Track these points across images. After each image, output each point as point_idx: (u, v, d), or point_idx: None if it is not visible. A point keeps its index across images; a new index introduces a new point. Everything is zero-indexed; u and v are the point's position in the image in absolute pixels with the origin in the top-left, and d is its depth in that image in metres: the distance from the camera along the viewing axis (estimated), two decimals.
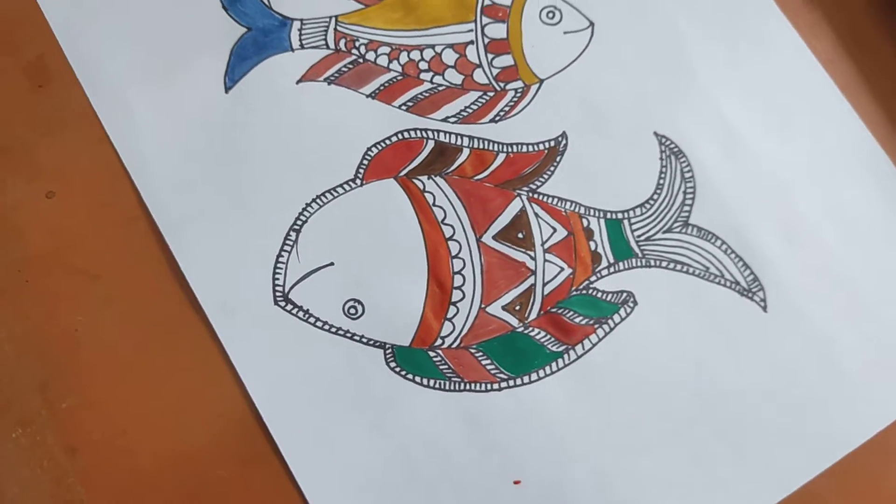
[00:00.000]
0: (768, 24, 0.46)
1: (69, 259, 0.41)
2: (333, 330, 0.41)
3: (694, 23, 0.46)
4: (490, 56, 0.45)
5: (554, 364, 0.42)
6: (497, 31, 0.46)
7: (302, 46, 0.45)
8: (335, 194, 0.43)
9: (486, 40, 0.45)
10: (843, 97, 0.45)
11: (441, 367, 0.41)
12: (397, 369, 0.41)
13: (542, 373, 0.41)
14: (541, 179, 0.44)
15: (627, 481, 0.40)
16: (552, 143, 0.44)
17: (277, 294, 0.41)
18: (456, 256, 0.42)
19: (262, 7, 0.45)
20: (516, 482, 0.40)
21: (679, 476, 0.40)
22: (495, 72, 0.45)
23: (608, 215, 0.44)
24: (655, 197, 0.44)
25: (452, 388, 0.41)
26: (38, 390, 0.39)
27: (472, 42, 0.45)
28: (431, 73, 0.45)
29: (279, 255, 0.42)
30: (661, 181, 0.44)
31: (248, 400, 0.40)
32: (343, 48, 0.45)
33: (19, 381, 0.39)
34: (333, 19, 0.45)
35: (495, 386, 0.41)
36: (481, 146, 0.44)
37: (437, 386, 0.41)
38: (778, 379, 0.42)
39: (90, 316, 0.40)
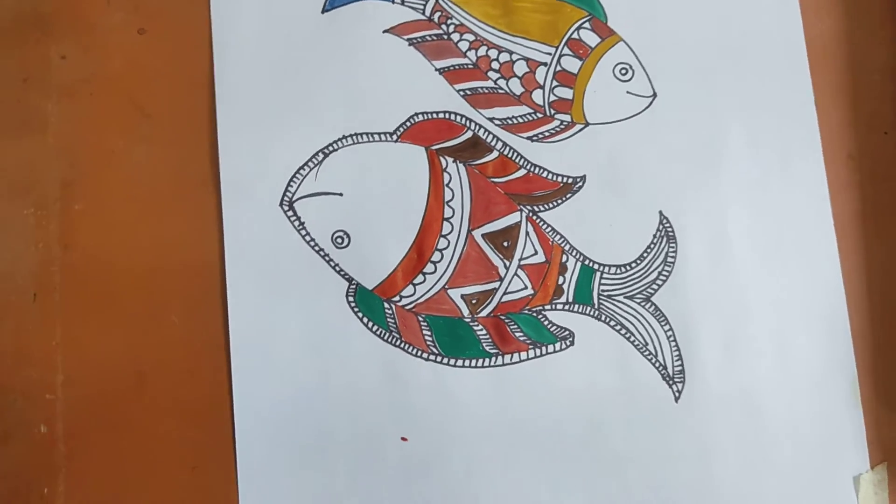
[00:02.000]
0: (806, 165, 0.49)
1: (133, 91, 0.46)
2: (316, 249, 0.46)
3: (743, 135, 0.49)
4: (554, 84, 0.49)
5: (481, 361, 0.46)
6: (571, 64, 0.49)
7: (402, 3, 0.49)
8: (370, 139, 0.47)
9: (558, 69, 0.49)
10: (837, 252, 0.48)
11: (388, 319, 0.46)
12: (353, 304, 0.46)
13: (467, 363, 0.46)
14: (546, 206, 0.48)
15: (489, 479, 0.45)
16: (570, 181, 0.48)
17: (285, 199, 0.46)
18: (444, 236, 0.47)
19: None
20: (403, 439, 0.45)
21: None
22: (552, 99, 0.49)
23: (586, 262, 0.48)
24: (633, 265, 0.48)
25: (388, 339, 0.46)
26: (61, 185, 0.45)
27: (545, 64, 0.49)
28: (498, 75, 0.49)
29: (301, 168, 0.47)
30: (645, 254, 0.48)
31: (222, 264, 0.45)
32: (435, 20, 0.49)
33: (50, 171, 0.45)
34: None
35: (424, 355, 0.46)
36: (510, 155, 0.48)
37: (376, 332, 0.46)
38: (660, 469, 0.46)
39: (129, 144, 0.45)
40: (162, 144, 0.46)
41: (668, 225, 0.48)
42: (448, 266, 0.47)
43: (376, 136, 0.48)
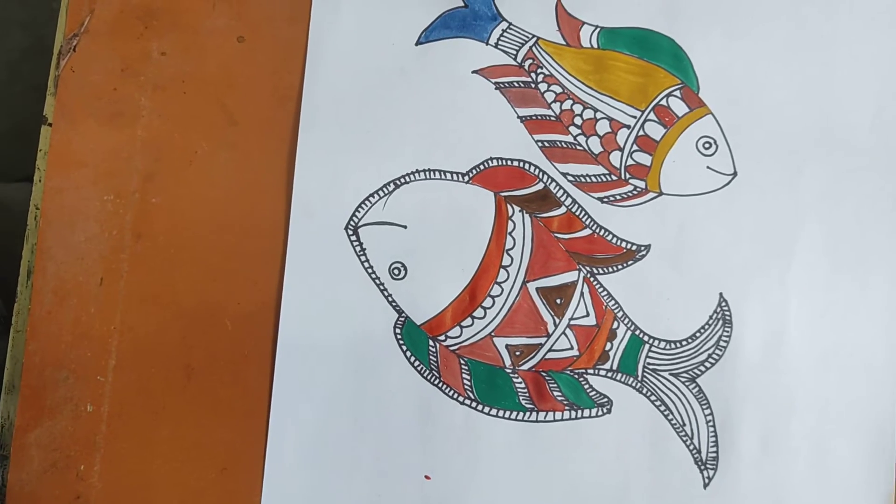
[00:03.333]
0: (881, 276, 0.47)
1: (224, 96, 0.47)
2: (373, 276, 0.47)
3: (820, 230, 0.48)
4: (634, 148, 0.49)
5: (515, 413, 0.46)
6: (655, 131, 0.49)
7: (496, 45, 0.49)
8: (443, 176, 0.48)
9: (641, 133, 0.49)
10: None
11: (431, 357, 0.47)
12: (399, 336, 0.47)
13: (501, 412, 0.47)
14: (605, 269, 0.48)
15: None
16: (634, 247, 0.48)
17: (351, 223, 0.47)
18: (499, 283, 0.47)
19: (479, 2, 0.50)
20: (427, 477, 0.46)
21: None
22: (630, 163, 0.49)
23: (637, 332, 0.47)
24: (685, 343, 0.47)
25: (427, 377, 0.47)
26: (143, 177, 0.47)
27: (628, 126, 0.49)
28: (579, 131, 0.49)
29: (371, 195, 0.48)
30: (699, 334, 0.47)
31: (280, 277, 0.47)
32: (526, 67, 0.49)
33: (134, 162, 0.47)
34: (535, 39, 0.50)
35: (459, 398, 0.47)
36: (577, 213, 0.48)
37: (417, 367, 0.47)
38: None
39: (213, 147, 0.47)
40: (243, 152, 0.48)
41: (726, 308, 0.48)
42: (498, 314, 0.47)
43: (448, 175, 0.49)
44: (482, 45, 0.50)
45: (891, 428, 0.47)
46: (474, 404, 0.47)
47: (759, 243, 0.48)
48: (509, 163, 0.49)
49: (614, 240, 0.48)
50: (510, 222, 0.48)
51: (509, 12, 0.50)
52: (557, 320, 0.48)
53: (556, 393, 0.47)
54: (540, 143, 0.49)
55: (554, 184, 0.49)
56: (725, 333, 0.48)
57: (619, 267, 0.48)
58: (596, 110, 0.50)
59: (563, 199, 0.49)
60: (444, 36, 0.50)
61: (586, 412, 0.47)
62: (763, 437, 0.47)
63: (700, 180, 0.49)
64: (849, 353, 0.48)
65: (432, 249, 0.48)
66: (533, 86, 0.50)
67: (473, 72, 0.50)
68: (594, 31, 0.50)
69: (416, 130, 0.49)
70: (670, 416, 0.47)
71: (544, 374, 0.47)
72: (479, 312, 0.48)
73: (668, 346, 0.48)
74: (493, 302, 0.48)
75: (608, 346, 0.48)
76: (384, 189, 0.48)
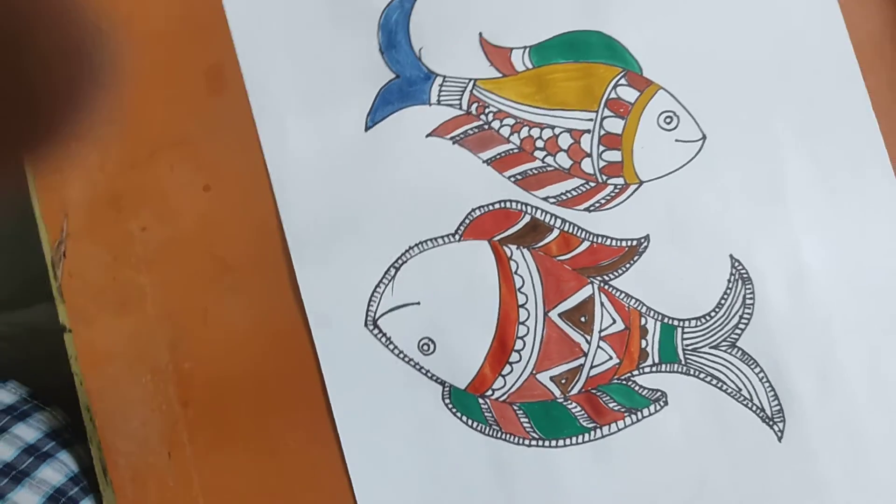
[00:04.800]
0: (875, 174, 0.48)
1: (212, 246, 0.49)
2: (406, 360, 0.49)
3: (804, 159, 0.48)
4: (601, 148, 0.50)
5: (581, 436, 0.48)
6: (614, 125, 0.50)
7: (438, 102, 0.50)
8: (435, 243, 0.50)
9: (602, 132, 0.50)
10: None
11: (486, 414, 0.48)
12: (450, 406, 0.49)
13: (568, 441, 0.48)
14: (615, 273, 0.49)
15: None
16: (634, 243, 0.49)
17: (368, 318, 0.49)
18: (522, 323, 0.49)
19: (413, 58, 0.50)
20: None
21: None
22: (602, 164, 0.49)
23: (665, 320, 0.49)
24: (713, 314, 0.48)
25: (490, 433, 0.49)
26: (168, 348, 0.49)
27: (588, 131, 0.50)
28: (545, 153, 0.50)
29: (377, 286, 0.50)
30: (723, 301, 0.48)
31: (323, 389, 0.49)
32: (473, 112, 0.50)
33: (155, 338, 0.49)
34: (472, 82, 0.50)
35: (525, 441, 0.48)
36: (570, 230, 0.49)
37: (478, 428, 0.49)
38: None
39: (218, 298, 0.49)
40: (247, 293, 0.50)
41: (740, 268, 0.49)
42: (532, 351, 0.49)
43: (440, 240, 0.50)
44: (426, 108, 0.51)
45: None
46: (541, 443, 0.49)
47: (750, 195, 0.49)
48: (491, 208, 0.50)
49: (613, 243, 0.50)
50: (512, 262, 0.50)
51: (439, 66, 0.51)
52: (588, 338, 0.49)
53: (611, 404, 0.49)
54: (513, 179, 0.50)
55: (539, 211, 0.50)
56: (748, 291, 0.49)
57: (628, 266, 0.49)
58: (553, 127, 0.50)
59: (552, 222, 0.50)
60: (389, 112, 0.51)
61: (645, 412, 0.49)
62: (817, 374, 0.48)
63: (673, 156, 0.50)
64: (874, 266, 0.48)
65: (451, 315, 0.50)
66: (486, 127, 0.51)
67: (427, 136, 0.51)
68: (524, 52, 0.51)
69: (395, 210, 0.50)
70: (724, 387, 0.48)
71: (594, 391, 0.49)
72: (514, 357, 0.49)
73: (699, 323, 0.49)
74: (524, 342, 0.49)
75: (643, 343, 0.49)
76: (387, 276, 0.50)
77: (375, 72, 0.51)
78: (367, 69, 0.51)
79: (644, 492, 0.48)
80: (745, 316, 0.49)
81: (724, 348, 0.49)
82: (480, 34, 0.51)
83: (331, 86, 0.51)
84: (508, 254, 0.50)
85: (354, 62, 0.51)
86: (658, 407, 0.49)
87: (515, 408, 0.49)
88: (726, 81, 0.49)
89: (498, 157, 0.51)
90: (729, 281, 0.49)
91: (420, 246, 0.50)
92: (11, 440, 0.52)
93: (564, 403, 0.49)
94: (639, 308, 0.49)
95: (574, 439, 0.49)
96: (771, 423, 0.48)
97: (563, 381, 0.49)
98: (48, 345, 0.53)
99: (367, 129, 0.51)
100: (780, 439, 0.48)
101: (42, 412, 0.55)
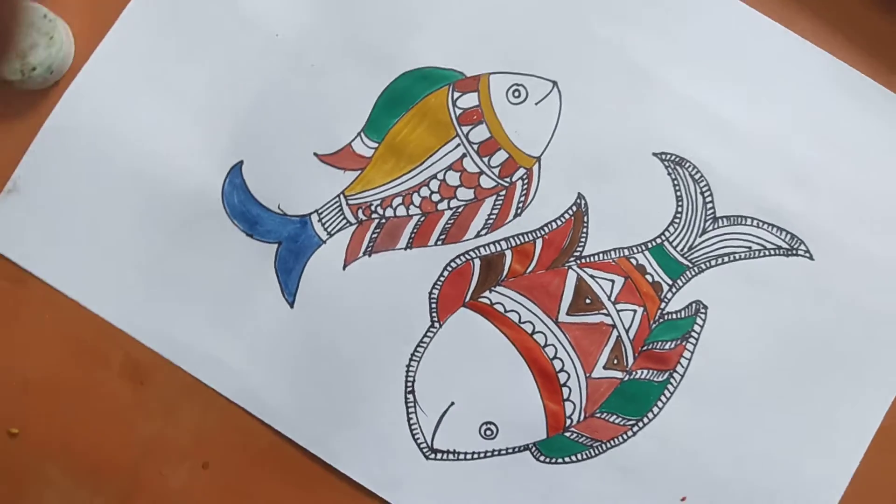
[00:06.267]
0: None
1: None
2: (481, 455, 0.47)
3: (631, 34, 0.49)
4: (485, 159, 0.49)
5: (665, 392, 0.47)
6: (479, 133, 0.49)
7: (329, 234, 0.49)
8: (425, 346, 0.48)
9: (475, 146, 0.49)
10: (788, 31, 0.49)
11: (581, 441, 0.47)
12: (547, 460, 0.47)
13: (659, 404, 0.47)
14: (580, 245, 0.49)
15: (757, 461, 0.47)
16: (574, 209, 0.49)
17: (425, 451, 0.47)
18: (546, 346, 0.48)
19: (278, 218, 0.49)
20: (682, 499, 0.47)
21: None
22: (496, 171, 0.49)
23: (649, 245, 0.48)
24: (680, 209, 0.49)
25: (598, 452, 0.47)
26: None
27: (464, 154, 0.49)
28: (446, 201, 0.49)
29: (409, 419, 0.48)
30: (679, 193, 0.49)
31: None
32: (363, 217, 0.49)
33: None
34: (341, 196, 0.49)
35: (629, 433, 0.47)
36: (518, 242, 0.49)
37: (585, 457, 0.47)
38: (838, 315, 0.48)
39: None
40: None
41: (668, 156, 0.49)
42: (572, 359, 0.49)
43: (426, 340, 0.49)
44: (325, 246, 0.49)
45: (847, 69, 0.48)
46: (640, 424, 0.48)
47: (626, 96, 0.49)
48: (442, 279, 0.49)
49: (558, 222, 0.49)
50: (497, 306, 0.49)
51: (305, 206, 0.50)
52: (605, 311, 0.49)
53: (666, 345, 0.48)
54: (439, 242, 0.49)
55: (481, 249, 0.49)
56: (690, 168, 0.49)
57: (585, 230, 0.49)
58: (434, 176, 0.50)
59: (499, 249, 0.49)
60: (298, 276, 0.50)
61: (697, 329, 0.48)
62: (793, 181, 0.49)
63: (544, 117, 0.50)
64: (750, 73, 0.49)
65: (484, 386, 0.49)
66: (384, 221, 0.49)
67: (345, 269, 0.49)
68: (360, 138, 0.50)
69: (368, 346, 0.49)
70: (737, 256, 0.48)
71: (645, 347, 0.48)
72: (562, 377, 0.49)
73: (675, 226, 0.49)
74: (561, 360, 0.49)
75: (648, 277, 0.49)
76: (408, 405, 0.48)
77: (257, 254, 0.49)
78: (248, 258, 0.49)
79: (744, 386, 0.48)
80: (705, 189, 0.49)
81: (710, 228, 0.49)
82: (315, 153, 0.50)
83: (235, 299, 0.49)
84: (489, 302, 0.49)
85: (236, 264, 0.49)
86: (703, 316, 0.48)
87: (598, 415, 0.48)
88: (531, 24, 0.50)
89: (413, 235, 0.49)
90: (669, 174, 0.49)
91: (414, 359, 0.49)
92: None
93: (631, 378, 0.48)
94: (621, 254, 0.49)
95: (664, 398, 0.48)
96: (794, 251, 0.48)
97: (615, 361, 0.48)
98: None
99: (292, 305, 0.49)
100: (811, 257, 0.48)
101: None
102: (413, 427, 0.48)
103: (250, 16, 0.50)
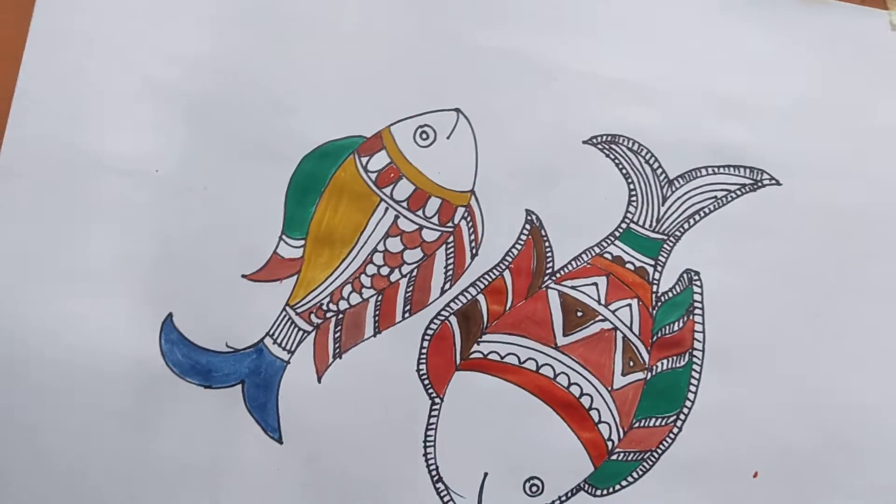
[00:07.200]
0: None
1: None
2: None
3: (514, 34, 0.47)
4: (419, 212, 0.46)
5: (693, 374, 0.44)
6: (403, 189, 0.46)
7: (290, 352, 0.45)
8: (434, 426, 0.44)
9: (403, 204, 0.45)
10: None
11: (630, 458, 0.44)
12: (604, 492, 0.44)
13: (692, 388, 0.45)
14: (548, 261, 0.46)
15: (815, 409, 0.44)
16: (528, 227, 0.45)
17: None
18: (556, 377, 0.44)
19: (231, 357, 0.45)
20: (755, 475, 0.43)
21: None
22: (435, 220, 0.46)
23: (617, 233, 0.45)
24: (632, 186, 0.46)
25: (653, 462, 0.44)
26: None
27: (396, 215, 0.45)
28: (397, 270, 0.45)
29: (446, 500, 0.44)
30: (624, 171, 0.46)
31: None
32: (318, 320, 0.45)
33: None
34: (287, 308, 0.45)
35: (675, 430, 0.44)
36: (486, 283, 0.45)
37: (641, 472, 0.44)
38: (832, 226, 0.45)
39: None
40: None
41: (597, 138, 0.46)
42: (589, 380, 0.45)
43: (433, 419, 0.45)
44: (290, 366, 0.45)
45: None
46: (682, 415, 0.44)
47: (530, 94, 0.46)
48: (424, 352, 0.45)
49: (517, 246, 0.46)
50: (492, 356, 0.45)
51: (255, 333, 0.45)
52: (601, 316, 0.45)
53: (674, 326, 0.45)
54: (406, 314, 0.45)
55: (452, 303, 0.45)
56: (624, 141, 0.46)
57: (548, 244, 0.46)
58: (374, 249, 0.46)
59: (468, 296, 0.45)
60: (274, 409, 0.45)
61: (696, 298, 0.45)
62: (729, 114, 0.46)
63: (462, 150, 0.46)
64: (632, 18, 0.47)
65: (512, 444, 0.45)
66: (340, 317, 0.45)
67: (320, 381, 0.45)
68: (283, 242, 0.46)
69: (375, 453, 0.44)
70: (707, 209, 0.46)
71: (654, 339, 0.45)
72: (585, 401, 0.45)
73: (634, 204, 0.46)
74: (578, 385, 0.45)
75: (629, 266, 0.46)
76: (440, 493, 0.44)
77: (224, 404, 0.44)
78: (214, 413, 0.44)
79: (765, 330, 0.45)
80: (647, 156, 0.46)
81: (669, 193, 0.46)
82: (243, 276, 0.45)
83: (218, 464, 0.44)
84: (481, 355, 0.45)
85: (214, 422, 0.45)
86: (698, 283, 0.45)
87: (636, 425, 0.44)
88: (417, 62, 0.46)
89: (377, 319, 0.45)
90: (606, 154, 0.46)
91: (427, 444, 0.44)
92: None
93: (654, 374, 0.45)
94: (593, 254, 0.46)
95: (693, 382, 0.45)
96: (760, 182, 0.46)
97: (632, 364, 0.45)
98: None
99: (280, 441, 0.44)
100: (778, 182, 0.45)
101: None
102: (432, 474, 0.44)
103: (123, 166, 0.45)
